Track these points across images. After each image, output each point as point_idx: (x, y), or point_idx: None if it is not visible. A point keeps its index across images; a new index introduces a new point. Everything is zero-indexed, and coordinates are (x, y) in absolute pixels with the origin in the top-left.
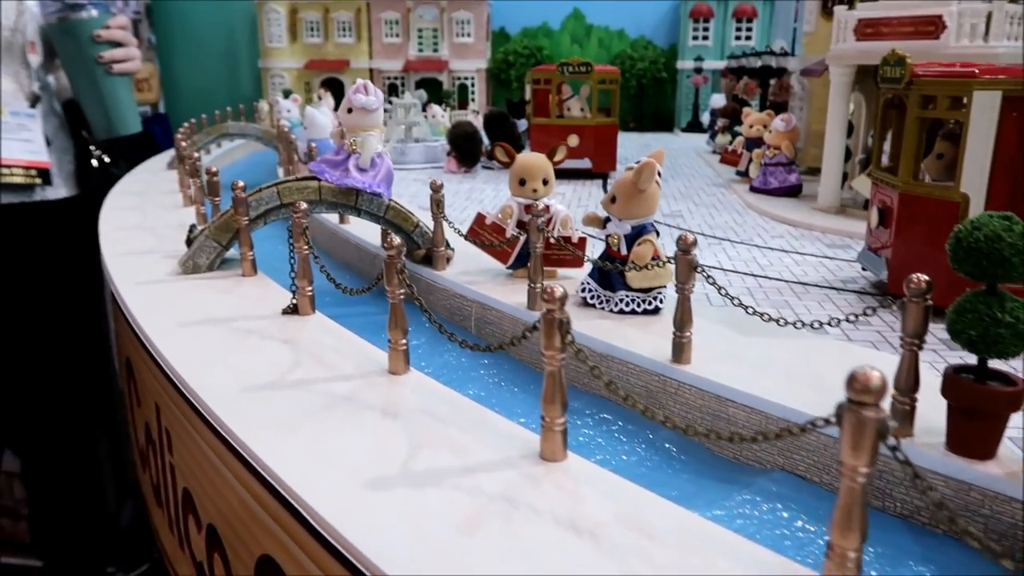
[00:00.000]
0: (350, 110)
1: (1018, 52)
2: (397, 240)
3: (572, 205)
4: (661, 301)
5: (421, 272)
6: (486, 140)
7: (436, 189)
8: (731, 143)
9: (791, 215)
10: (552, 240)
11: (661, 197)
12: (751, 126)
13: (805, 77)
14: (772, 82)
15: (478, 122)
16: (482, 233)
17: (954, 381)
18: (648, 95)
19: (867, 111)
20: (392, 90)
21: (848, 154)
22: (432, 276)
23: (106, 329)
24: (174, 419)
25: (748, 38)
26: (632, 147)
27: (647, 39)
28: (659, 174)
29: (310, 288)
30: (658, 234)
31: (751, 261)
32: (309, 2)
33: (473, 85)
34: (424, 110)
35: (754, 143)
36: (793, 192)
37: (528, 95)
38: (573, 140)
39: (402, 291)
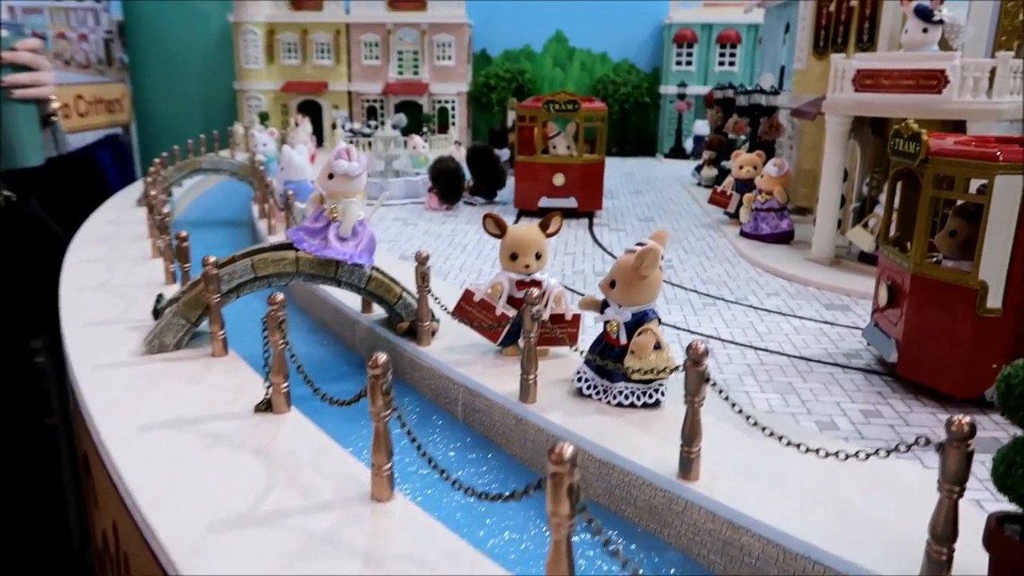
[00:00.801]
0: (331, 175)
1: (1020, 108)
2: (383, 358)
3: (558, 249)
4: (662, 394)
5: (405, 347)
6: (468, 175)
7: (422, 262)
8: (717, 178)
9: (785, 267)
10: (544, 319)
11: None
12: (741, 167)
13: (797, 118)
14: (762, 121)
15: (460, 154)
16: (470, 311)
17: (999, 537)
18: (631, 120)
19: (862, 158)
20: (371, 113)
21: (842, 201)
22: (416, 352)
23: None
24: (132, 549)
25: (732, 64)
26: (615, 174)
27: (630, 63)
28: (662, 256)
29: (285, 384)
30: (660, 321)
31: (749, 327)
32: (287, 23)
33: (454, 109)
34: (405, 145)
35: (744, 184)
36: (785, 239)
37: (510, 122)
38: (559, 179)
39: (388, 412)
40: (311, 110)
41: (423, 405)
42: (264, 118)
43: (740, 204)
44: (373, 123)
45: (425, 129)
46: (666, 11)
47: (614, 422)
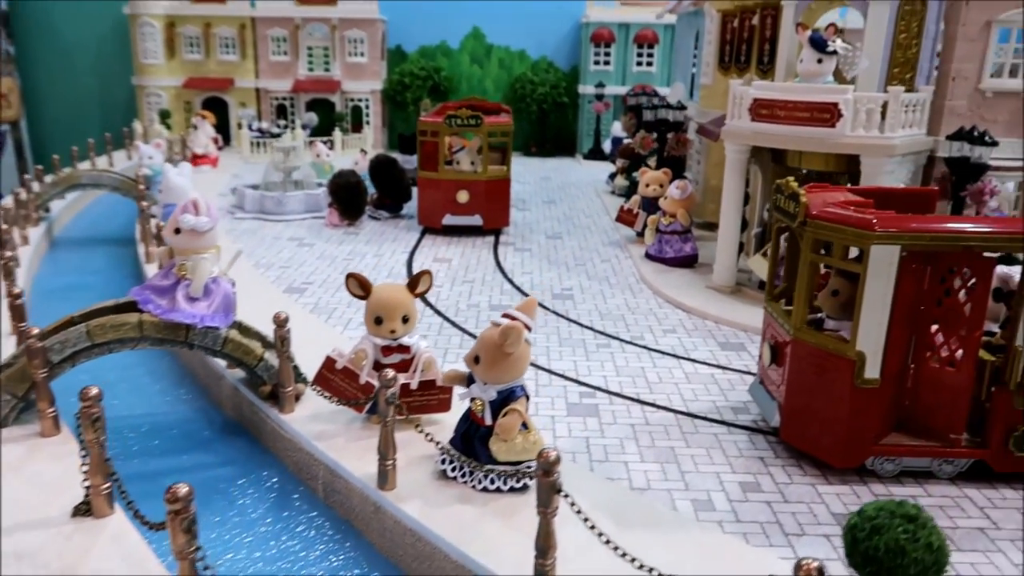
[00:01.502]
0: (177, 230)
1: (912, 142)
2: (184, 490)
3: (456, 275)
4: (531, 478)
5: (268, 413)
6: (372, 188)
7: (280, 324)
8: (629, 188)
9: (686, 298)
10: (413, 387)
11: (553, 267)
12: (647, 184)
13: (701, 136)
14: (669, 136)
15: (367, 162)
16: (332, 379)
17: None
18: (550, 120)
19: (763, 182)
20: (281, 111)
21: (744, 224)
22: (279, 420)
23: None
24: None
25: (650, 64)
26: (532, 178)
27: (549, 61)
28: (528, 329)
29: (106, 486)
30: (528, 398)
31: (639, 375)
32: (187, 15)
33: (368, 107)
34: (311, 144)
35: (650, 202)
36: (689, 262)
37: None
38: (463, 196)
39: (192, 551)
40: (217, 108)
41: (284, 479)
42: (165, 116)
43: (646, 226)
44: (282, 122)
45: (337, 128)
46: (584, 9)
47: (476, 513)
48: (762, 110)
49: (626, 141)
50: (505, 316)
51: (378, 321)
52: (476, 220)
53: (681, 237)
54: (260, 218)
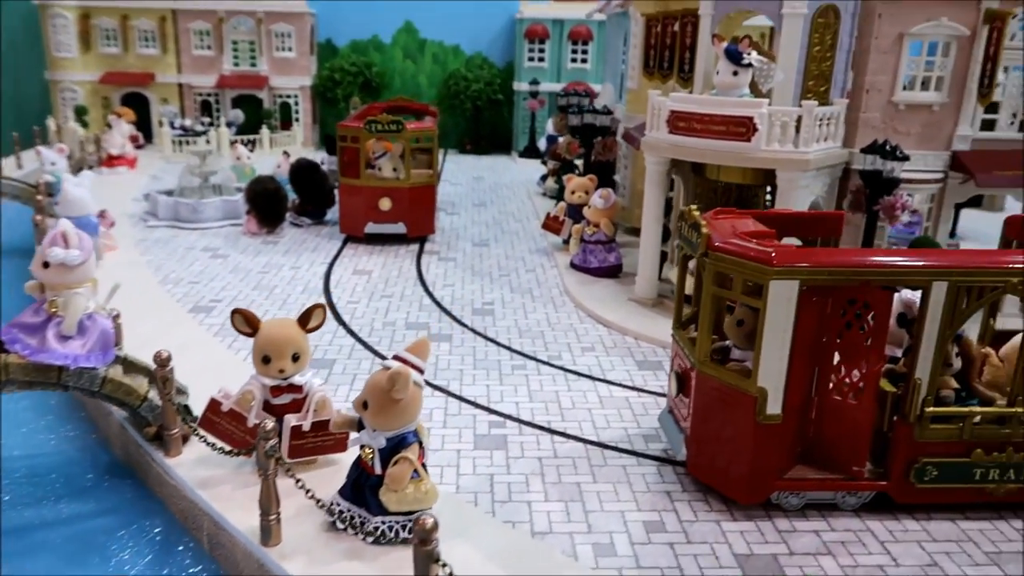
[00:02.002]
0: (46, 264)
1: (827, 156)
2: None
3: (375, 290)
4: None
5: (154, 456)
6: (293, 194)
7: (163, 363)
8: (558, 194)
9: (607, 312)
10: (306, 428)
11: (476, 278)
12: (573, 192)
13: (626, 142)
14: (595, 141)
15: (288, 164)
16: (219, 423)
17: None
18: (484, 117)
19: (685, 191)
20: (205, 108)
21: (667, 234)
22: (164, 465)
23: None
24: None
25: (584, 60)
26: (465, 178)
27: (483, 56)
28: (420, 371)
29: None
30: (421, 444)
31: (553, 400)
32: (103, 7)
33: (297, 104)
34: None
35: (576, 210)
36: (613, 272)
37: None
38: (385, 203)
39: None
40: (137, 104)
41: (170, 529)
42: (82, 112)
43: (572, 233)
44: (207, 119)
45: (265, 126)
46: (517, 5)
47: (363, 570)
48: (679, 123)
49: (560, 140)
50: (395, 358)
51: (266, 360)
52: (400, 228)
53: (605, 247)
54: (175, 226)
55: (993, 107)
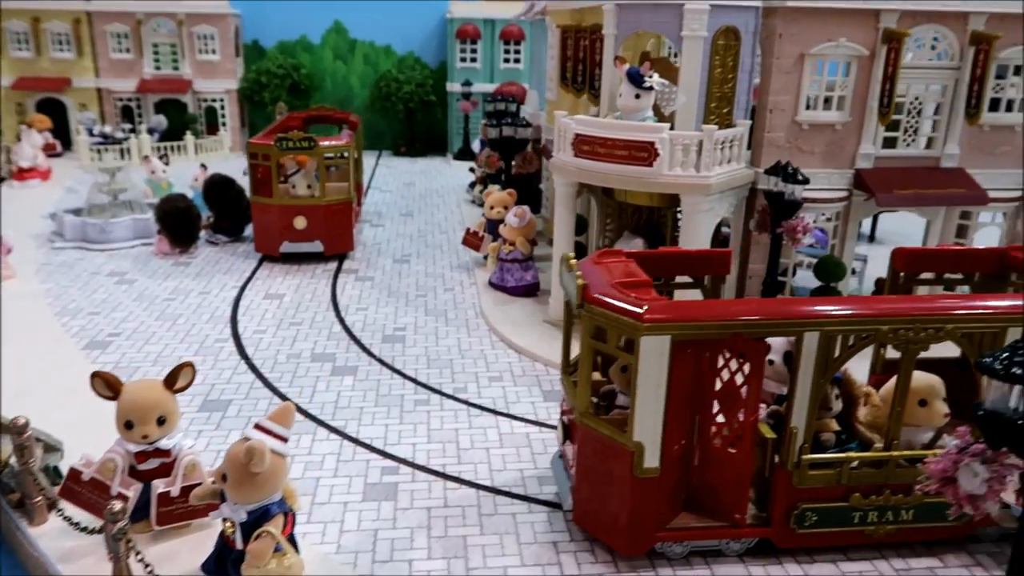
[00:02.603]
0: None
1: (731, 178)
2: None
3: (284, 316)
4: None
5: (19, 524)
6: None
7: (19, 431)
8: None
9: (519, 337)
10: (175, 494)
11: (392, 300)
12: (492, 207)
13: (544, 156)
14: (516, 155)
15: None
16: (80, 492)
17: None
18: (417, 118)
19: (598, 209)
20: (126, 113)
21: (584, 250)
22: (27, 535)
23: None
24: None
25: (517, 61)
26: (396, 183)
27: (416, 56)
28: (283, 440)
29: None
30: (286, 515)
31: (452, 440)
32: (11, 9)
33: (223, 108)
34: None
35: (495, 225)
36: (531, 291)
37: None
38: (300, 222)
39: None
40: (54, 110)
41: None
42: None
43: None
44: (128, 126)
45: (189, 132)
46: (448, 4)
47: None
48: (584, 146)
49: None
50: (257, 427)
51: (129, 425)
52: (316, 247)
53: (522, 265)
54: (82, 247)
55: (895, 125)
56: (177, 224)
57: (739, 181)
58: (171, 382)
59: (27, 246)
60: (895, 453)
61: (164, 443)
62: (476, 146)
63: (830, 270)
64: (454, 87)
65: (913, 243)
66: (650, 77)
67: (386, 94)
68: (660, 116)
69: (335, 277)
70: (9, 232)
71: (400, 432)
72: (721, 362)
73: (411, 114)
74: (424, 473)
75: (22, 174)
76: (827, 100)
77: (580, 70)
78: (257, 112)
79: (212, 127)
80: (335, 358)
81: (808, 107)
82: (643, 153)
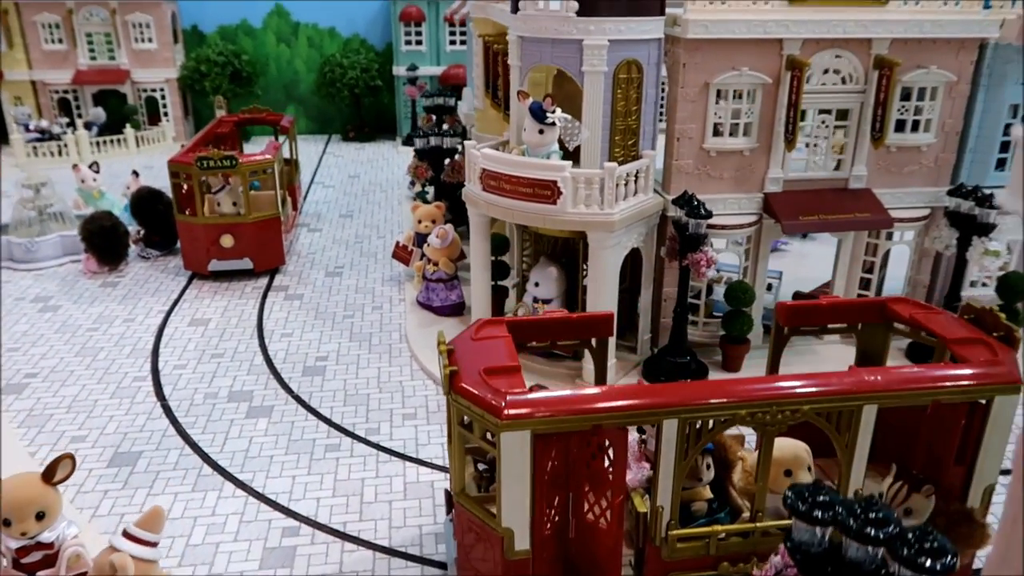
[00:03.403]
0: None
1: (639, 210)
2: None
3: (212, 341)
4: None
5: None
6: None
7: None
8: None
9: (437, 367)
10: None
11: (319, 321)
12: (420, 221)
13: None
14: (445, 163)
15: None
16: None
17: None
18: (364, 103)
19: (516, 234)
20: (63, 106)
21: (507, 270)
22: None
23: None
24: None
25: (463, 43)
26: (340, 175)
27: (361, 38)
28: (153, 544)
29: None
30: None
31: (357, 492)
32: None
33: (164, 97)
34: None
35: (424, 239)
36: (457, 310)
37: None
38: (227, 240)
39: None
40: None
41: None
42: None
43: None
44: (65, 120)
45: (129, 125)
46: None
47: None
48: (491, 181)
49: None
50: (125, 534)
51: (6, 523)
52: (245, 264)
53: (447, 285)
54: (9, 267)
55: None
56: (103, 243)
57: (648, 211)
58: (49, 475)
59: None
60: (759, 525)
61: (45, 536)
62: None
63: (738, 297)
64: (400, 71)
65: (830, 247)
66: (552, 112)
67: (331, 80)
68: (566, 150)
69: (264, 297)
70: None
71: (306, 485)
72: (589, 445)
73: (358, 99)
74: (324, 533)
75: None
76: (734, 127)
77: (501, 85)
78: (201, 99)
79: (154, 117)
80: (252, 396)
81: (715, 134)
82: (546, 191)
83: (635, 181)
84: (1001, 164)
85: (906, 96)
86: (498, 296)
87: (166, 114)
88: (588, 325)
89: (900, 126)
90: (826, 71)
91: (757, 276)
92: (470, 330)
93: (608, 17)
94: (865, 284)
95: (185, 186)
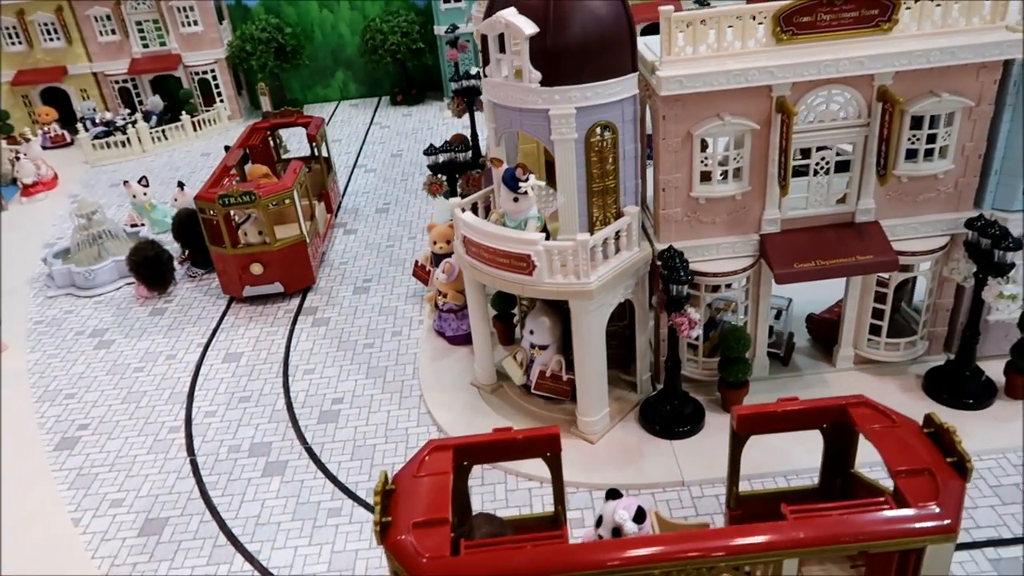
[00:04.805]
0: None
1: (623, 270)
2: None
3: (240, 382)
4: None
5: None
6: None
7: None
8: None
9: (441, 410)
10: None
11: (340, 353)
12: (435, 242)
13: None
14: (459, 177)
15: (187, 196)
16: None
17: None
18: (409, 67)
19: None
20: (124, 95)
21: (511, 324)
22: None
23: None
24: None
25: None
26: (389, 144)
27: (401, 1)
28: None
29: None
30: None
31: (349, 566)
32: None
33: (215, 79)
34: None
35: (441, 259)
36: (468, 340)
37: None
38: (256, 268)
39: None
40: (57, 99)
41: None
42: (4, 117)
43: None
44: (127, 111)
45: (184, 112)
46: None
47: None
48: (472, 247)
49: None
50: None
51: None
52: (276, 288)
53: (457, 315)
54: (72, 294)
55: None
56: (149, 272)
57: (635, 265)
58: None
59: (22, 296)
60: None
61: None
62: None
63: (732, 344)
64: (440, 30)
65: None
66: (525, 181)
67: (372, 47)
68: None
69: (294, 322)
70: (8, 275)
71: (306, 558)
72: None
73: (403, 65)
74: None
75: (27, 190)
76: (724, 172)
77: None
78: (253, 75)
79: (208, 98)
80: (270, 450)
81: (705, 179)
82: (522, 263)
83: (616, 241)
84: None
85: (918, 123)
86: (507, 327)
87: (219, 94)
88: (535, 443)
89: (912, 153)
90: (824, 107)
91: (759, 315)
92: (416, 459)
93: (574, 85)
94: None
95: (211, 224)
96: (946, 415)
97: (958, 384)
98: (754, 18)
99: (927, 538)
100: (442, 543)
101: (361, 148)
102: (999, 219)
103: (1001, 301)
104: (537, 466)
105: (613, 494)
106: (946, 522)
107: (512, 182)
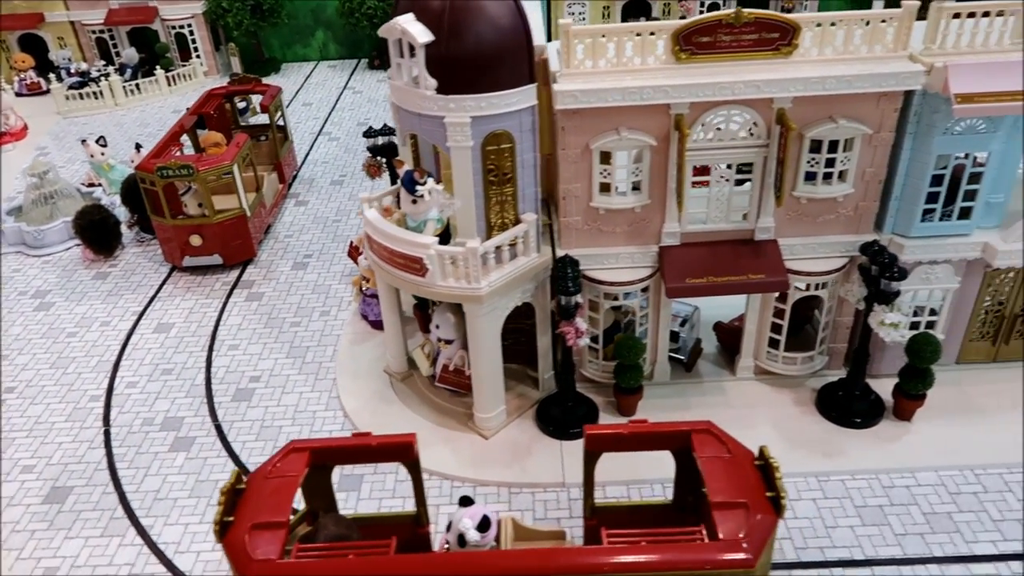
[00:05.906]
0: None
1: (520, 276)
2: None
3: (166, 354)
4: None
5: None
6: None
7: None
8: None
9: (350, 397)
10: None
11: (267, 330)
12: None
13: None
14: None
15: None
16: None
17: None
18: None
19: None
20: (102, 47)
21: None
22: None
23: None
24: None
25: None
26: (360, 111)
27: None
28: None
29: None
30: None
31: (206, 547)
32: None
33: (192, 34)
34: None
35: None
36: None
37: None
38: (195, 240)
39: None
40: (35, 46)
41: None
42: None
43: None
44: (102, 63)
45: (159, 66)
46: None
47: None
48: (374, 245)
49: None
50: None
51: None
52: (215, 260)
53: (379, 300)
54: (22, 252)
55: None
56: (95, 235)
57: (534, 271)
58: None
59: None
60: None
61: None
62: None
63: (624, 352)
64: None
65: None
66: (422, 184)
67: (350, 11)
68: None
69: (228, 296)
70: None
71: (194, 536)
72: None
73: (379, 28)
74: None
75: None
76: (624, 185)
77: None
78: (231, 32)
79: (185, 53)
80: (181, 425)
81: (605, 190)
82: (416, 264)
83: (511, 247)
84: (928, 214)
85: (818, 147)
86: (426, 316)
87: (195, 49)
88: (391, 450)
89: (812, 175)
90: (722, 127)
91: (660, 321)
92: (272, 460)
93: (469, 94)
94: (777, 323)
95: (151, 194)
96: (833, 432)
97: (847, 402)
98: (653, 34)
99: (726, 571)
100: (275, 545)
101: (329, 115)
102: (897, 243)
103: (883, 328)
104: (431, 459)
105: (466, 501)
106: (745, 556)
107: (410, 185)
